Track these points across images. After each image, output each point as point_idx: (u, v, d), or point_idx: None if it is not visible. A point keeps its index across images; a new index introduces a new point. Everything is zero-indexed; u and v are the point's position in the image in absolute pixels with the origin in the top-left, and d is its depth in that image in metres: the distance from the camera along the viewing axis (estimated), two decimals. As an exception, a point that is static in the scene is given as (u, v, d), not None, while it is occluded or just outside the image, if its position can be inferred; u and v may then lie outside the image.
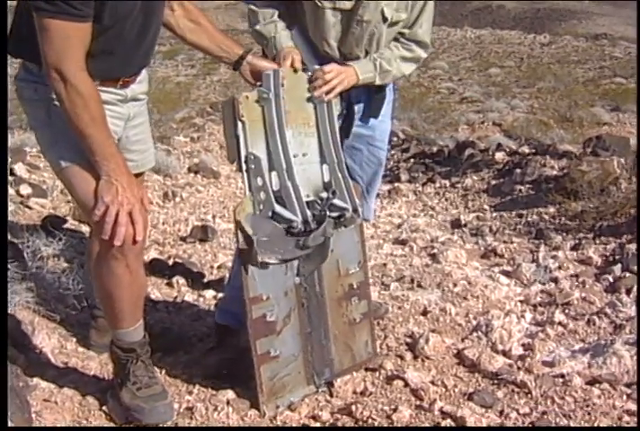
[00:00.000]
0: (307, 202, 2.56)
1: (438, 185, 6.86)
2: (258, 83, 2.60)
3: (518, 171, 6.30)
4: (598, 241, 4.43)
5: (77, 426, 2.47)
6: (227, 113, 2.46)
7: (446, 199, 6.36)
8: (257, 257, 2.40)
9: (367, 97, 3.06)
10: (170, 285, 4.04)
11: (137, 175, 2.75)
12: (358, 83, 2.89)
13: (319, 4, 2.82)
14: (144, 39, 2.44)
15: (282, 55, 2.68)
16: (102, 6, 2.17)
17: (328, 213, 2.60)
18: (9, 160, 6.46)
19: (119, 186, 2.23)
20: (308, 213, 2.53)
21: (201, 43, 2.75)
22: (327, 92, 2.70)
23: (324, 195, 2.64)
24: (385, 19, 2.91)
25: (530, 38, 36.63)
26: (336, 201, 2.65)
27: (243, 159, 2.45)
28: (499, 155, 7.20)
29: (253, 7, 2.86)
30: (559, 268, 4.06)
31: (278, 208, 2.47)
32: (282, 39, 2.78)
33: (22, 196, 5.60)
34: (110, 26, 2.25)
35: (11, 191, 5.60)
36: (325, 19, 2.85)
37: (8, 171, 5.82)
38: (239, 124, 2.43)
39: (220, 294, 3.87)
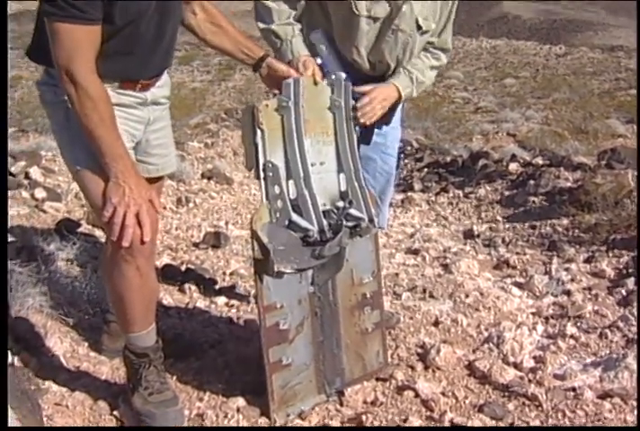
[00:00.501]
0: (324, 211, 2.57)
1: (451, 195, 6.85)
2: (276, 92, 2.61)
3: (531, 182, 6.29)
4: (611, 254, 4.41)
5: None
6: (247, 121, 2.46)
7: (459, 210, 6.36)
8: (273, 266, 2.40)
9: None
10: (182, 291, 4.05)
11: (158, 179, 2.78)
12: (400, 101, 2.94)
13: (356, 11, 2.84)
14: (161, 39, 2.46)
15: (301, 64, 2.66)
16: (110, 7, 2.20)
17: (344, 222, 2.60)
18: (24, 163, 6.51)
19: (126, 187, 2.25)
20: (325, 222, 2.53)
21: (223, 45, 2.78)
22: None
23: (341, 204, 2.64)
24: (419, 27, 2.95)
25: (546, 48, 36.57)
26: (352, 211, 2.65)
27: (261, 167, 2.46)
28: (513, 166, 7.19)
29: (269, 3, 2.84)
30: (572, 280, 4.04)
31: (294, 217, 2.47)
32: (299, 45, 2.78)
33: (36, 199, 5.64)
34: (122, 27, 2.28)
35: (26, 195, 5.64)
36: (360, 27, 2.87)
37: (8, 173, 5.85)
38: (258, 132, 2.44)
39: (233, 301, 3.89)
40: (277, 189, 2.47)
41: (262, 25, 2.85)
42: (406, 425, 2.51)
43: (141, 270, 2.38)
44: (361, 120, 2.75)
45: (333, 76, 2.64)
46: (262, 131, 2.44)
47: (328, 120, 2.65)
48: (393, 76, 3.01)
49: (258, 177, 2.47)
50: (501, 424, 2.55)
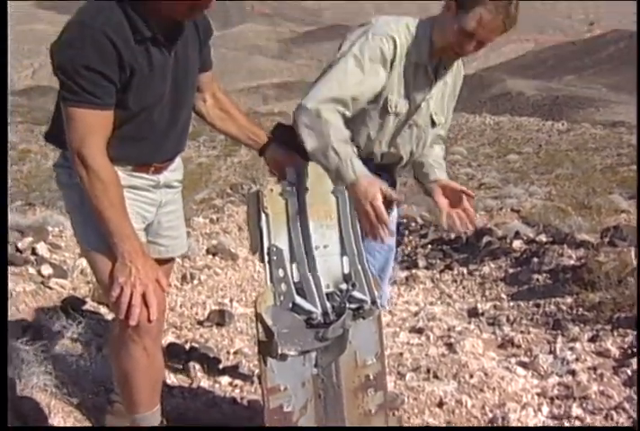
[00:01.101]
0: (327, 293, 2.60)
1: (455, 272, 6.87)
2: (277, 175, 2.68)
3: (535, 260, 6.32)
4: (616, 333, 4.40)
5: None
6: (252, 205, 2.52)
7: (463, 287, 6.37)
8: (277, 349, 2.42)
9: (390, 183, 3.15)
10: (186, 370, 4.03)
11: (168, 260, 2.82)
12: None
13: (390, 109, 2.95)
14: (174, 125, 2.54)
15: (377, 190, 2.47)
16: (124, 94, 2.29)
17: (347, 305, 2.63)
18: (31, 239, 6.57)
19: (133, 267, 2.29)
20: (328, 304, 2.56)
21: (230, 131, 2.84)
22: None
23: (344, 286, 2.67)
24: (432, 122, 3.10)
25: (549, 125, 37.08)
26: (356, 293, 2.68)
27: (265, 250, 2.50)
28: (516, 244, 7.23)
29: (330, 118, 2.67)
30: (577, 359, 4.03)
31: (298, 300, 2.50)
32: (360, 165, 2.57)
33: (43, 276, 5.67)
34: (137, 112, 2.36)
35: (32, 271, 5.67)
36: (387, 122, 2.99)
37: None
38: (263, 216, 2.49)
39: (237, 381, 3.88)
40: (281, 273, 2.50)
41: (314, 144, 2.61)
42: None
43: (148, 351, 2.41)
44: (469, 226, 2.97)
45: None
46: (266, 215, 2.49)
47: (331, 204, 2.70)
48: (430, 171, 3.17)
49: (262, 260, 2.51)
50: None
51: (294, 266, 2.55)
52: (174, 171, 2.71)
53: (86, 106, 2.22)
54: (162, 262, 2.73)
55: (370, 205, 2.43)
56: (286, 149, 2.77)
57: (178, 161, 2.75)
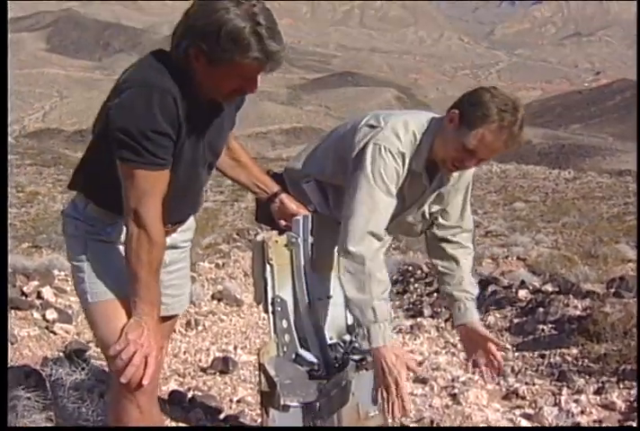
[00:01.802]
0: (330, 344, 2.60)
1: (460, 321, 6.83)
2: (283, 224, 2.69)
3: (541, 310, 6.29)
4: (621, 386, 4.37)
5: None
6: (257, 256, 2.54)
7: (468, 337, 6.33)
8: (280, 400, 2.42)
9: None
10: (188, 419, 4.02)
11: (169, 318, 2.80)
12: None
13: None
14: (193, 188, 2.56)
15: (403, 368, 2.50)
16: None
17: (350, 356, 2.63)
18: (37, 283, 6.60)
19: (145, 329, 2.29)
20: (331, 356, 2.56)
21: (239, 179, 2.87)
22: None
23: (347, 337, 2.68)
24: (424, 216, 3.07)
25: (555, 173, 37.24)
26: (358, 344, 2.68)
27: (269, 301, 2.51)
28: (522, 293, 7.20)
29: (378, 274, 2.62)
30: (582, 412, 4.00)
31: (301, 351, 2.50)
32: (389, 332, 2.58)
33: (47, 321, 5.68)
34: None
35: (37, 316, 5.69)
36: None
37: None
38: (267, 267, 2.51)
39: None
40: (285, 323, 2.51)
41: (355, 295, 2.57)
42: None
43: (142, 408, 2.39)
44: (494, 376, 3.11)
45: None
46: (271, 266, 2.51)
47: (336, 256, 2.71)
48: (461, 311, 3.07)
49: (266, 311, 2.52)
50: None
51: (298, 317, 2.56)
52: (185, 232, 2.71)
53: (149, 168, 2.23)
54: (160, 319, 2.72)
55: (394, 379, 2.44)
56: (293, 201, 2.80)
57: (191, 220, 2.75)
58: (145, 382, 2.28)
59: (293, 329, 2.52)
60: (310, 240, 2.61)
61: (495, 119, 2.64)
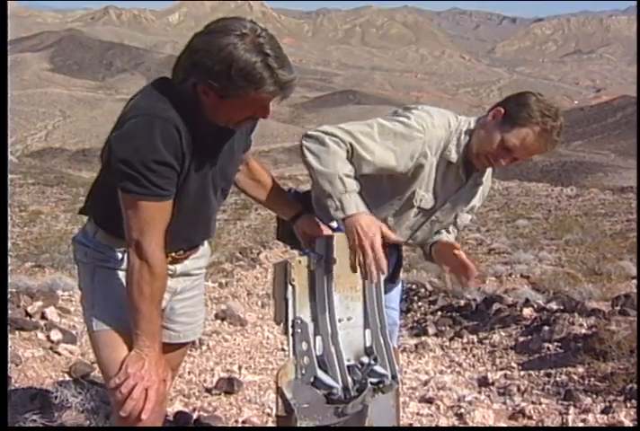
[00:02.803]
0: (348, 366, 2.58)
1: (465, 340, 6.82)
2: (307, 250, 2.68)
3: (546, 328, 6.27)
4: (629, 405, 4.34)
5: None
6: (279, 276, 2.51)
7: (473, 356, 6.32)
8: (296, 424, 2.40)
9: (395, 263, 3.18)
10: (194, 440, 4.00)
11: (179, 346, 2.79)
12: None
13: (415, 202, 2.99)
14: (205, 214, 2.55)
15: (378, 229, 2.55)
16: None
17: (368, 379, 2.61)
18: (41, 303, 6.59)
19: (146, 361, 2.28)
20: (349, 379, 2.54)
21: (261, 199, 2.87)
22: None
23: (366, 360, 2.66)
24: (455, 222, 3.14)
25: (557, 190, 37.20)
26: (377, 367, 2.66)
27: (290, 323, 2.49)
28: (527, 311, 7.19)
29: (339, 151, 2.72)
30: (589, 432, 3.98)
31: (320, 374, 2.48)
32: (362, 202, 2.67)
33: (52, 341, 5.66)
34: (178, 202, 2.35)
35: (41, 336, 5.67)
36: (409, 215, 3.03)
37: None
38: (289, 288, 2.48)
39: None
40: (304, 346, 2.49)
41: (321, 168, 2.65)
42: None
43: None
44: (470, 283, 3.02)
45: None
46: (293, 287, 2.49)
47: (357, 276, 2.66)
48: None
49: (286, 332, 2.50)
50: None
51: (317, 338, 2.54)
52: (198, 259, 2.70)
53: (151, 199, 2.21)
54: (172, 347, 2.71)
55: (370, 242, 2.47)
56: (316, 220, 2.79)
57: (205, 247, 2.74)
58: (144, 416, 2.27)
59: (312, 351, 2.49)
60: (333, 259, 2.58)
61: (539, 121, 2.76)
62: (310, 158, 2.67)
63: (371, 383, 2.62)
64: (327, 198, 2.61)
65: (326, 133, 2.71)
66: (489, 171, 3.18)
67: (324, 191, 2.62)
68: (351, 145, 2.72)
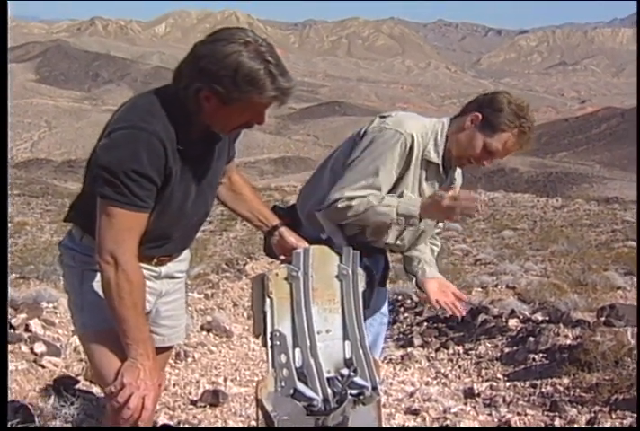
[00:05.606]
0: (328, 378, 2.58)
1: (451, 351, 6.82)
2: (282, 258, 2.70)
3: (531, 339, 6.28)
4: (614, 415, 4.34)
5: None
6: (257, 289, 2.52)
7: (459, 367, 6.32)
8: (277, 435, 2.40)
9: (383, 267, 3.23)
10: (178, 453, 3.98)
11: (165, 349, 2.80)
12: None
13: None
14: (191, 221, 2.58)
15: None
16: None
17: (348, 390, 2.61)
18: (25, 316, 6.54)
19: (142, 371, 2.29)
20: (329, 391, 2.54)
21: (240, 211, 2.90)
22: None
23: (345, 372, 2.66)
24: (437, 222, 3.23)
25: (543, 201, 37.32)
26: (357, 379, 2.66)
27: (268, 335, 2.49)
28: (512, 322, 7.20)
29: (367, 193, 2.96)
30: (574, 443, 3.98)
31: (299, 386, 2.48)
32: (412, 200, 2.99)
33: (35, 354, 5.62)
34: (161, 210, 2.39)
35: (25, 349, 5.63)
36: None
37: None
38: (267, 300, 2.49)
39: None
40: (283, 358, 2.49)
41: (369, 222, 3.01)
42: None
43: None
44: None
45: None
46: (270, 300, 2.50)
47: (336, 288, 2.70)
48: (425, 269, 3.46)
49: (265, 345, 2.50)
50: None
51: (297, 351, 2.54)
52: (180, 262, 2.73)
53: (129, 208, 2.24)
54: (157, 350, 2.70)
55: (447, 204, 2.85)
56: (294, 233, 2.81)
57: (186, 251, 2.77)
58: (140, 424, 2.28)
59: (292, 363, 2.49)
60: (310, 273, 2.59)
61: (517, 125, 2.95)
62: (355, 219, 2.98)
63: (351, 395, 2.62)
64: (395, 225, 2.99)
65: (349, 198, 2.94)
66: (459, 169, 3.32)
67: (385, 223, 2.97)
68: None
